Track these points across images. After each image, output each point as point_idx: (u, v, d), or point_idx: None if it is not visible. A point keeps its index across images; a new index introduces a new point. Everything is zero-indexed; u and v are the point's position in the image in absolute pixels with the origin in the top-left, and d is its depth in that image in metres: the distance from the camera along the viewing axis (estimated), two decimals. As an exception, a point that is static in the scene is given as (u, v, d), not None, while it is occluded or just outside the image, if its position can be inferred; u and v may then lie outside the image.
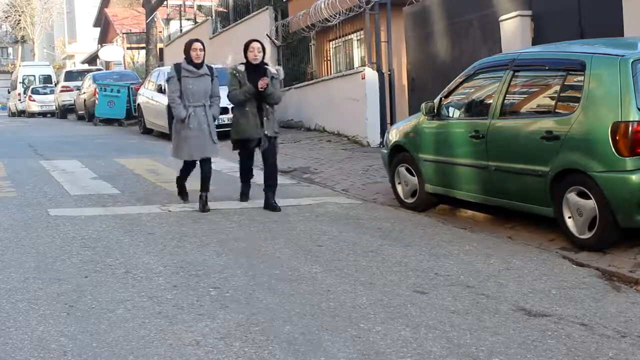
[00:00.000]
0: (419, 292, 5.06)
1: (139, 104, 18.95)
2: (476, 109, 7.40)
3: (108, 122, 22.40)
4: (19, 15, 56.40)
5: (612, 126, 5.69)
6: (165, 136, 16.45)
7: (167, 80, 8.26)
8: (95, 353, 3.94)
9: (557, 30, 9.76)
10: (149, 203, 8.37)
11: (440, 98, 7.66)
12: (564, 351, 3.99)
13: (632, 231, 5.88)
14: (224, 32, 21.86)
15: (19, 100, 35.30)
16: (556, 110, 6.32)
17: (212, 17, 24.65)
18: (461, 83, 7.59)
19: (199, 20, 26.26)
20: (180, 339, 4.15)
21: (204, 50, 8.06)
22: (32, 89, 33.64)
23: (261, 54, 8.08)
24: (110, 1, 43.42)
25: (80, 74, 28.96)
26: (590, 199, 5.88)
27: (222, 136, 9.11)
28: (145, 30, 27.04)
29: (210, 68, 8.11)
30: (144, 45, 28.73)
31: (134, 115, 20.63)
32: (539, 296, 4.94)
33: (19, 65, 43.75)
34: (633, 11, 8.69)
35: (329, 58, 17.91)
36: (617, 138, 5.65)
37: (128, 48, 37.95)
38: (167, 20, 29.50)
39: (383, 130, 12.81)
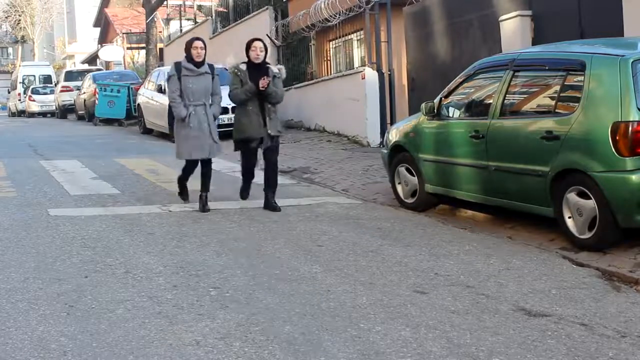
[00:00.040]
0: (419, 292, 5.06)
1: (139, 104, 18.95)
2: (476, 109, 7.40)
3: (108, 122, 22.41)
4: (19, 15, 56.41)
5: (612, 126, 5.69)
6: (165, 136, 16.47)
7: (168, 79, 8.20)
8: (95, 353, 3.94)
9: (557, 30, 9.76)
10: (149, 203, 8.36)
11: (440, 98, 7.66)
12: (564, 351, 3.99)
13: (632, 231, 5.88)
14: (224, 32, 21.87)
15: (19, 100, 35.31)
16: (556, 110, 6.32)
17: (212, 17, 24.66)
18: (461, 83, 7.59)
19: (199, 20, 26.27)
20: (180, 339, 4.15)
21: (205, 49, 8.01)
22: (32, 89, 33.65)
23: (263, 53, 8.03)
24: (110, 1, 43.42)
25: (80, 74, 28.97)
26: (590, 199, 5.88)
27: (223, 136, 9.10)
28: (145, 30, 27.04)
29: (211, 66, 8.06)
30: (144, 45, 28.73)
31: (134, 115, 20.64)
32: (539, 296, 4.94)
33: (19, 65, 43.77)
34: (633, 11, 8.69)
35: (329, 58, 17.91)
36: (617, 138, 5.65)
37: (128, 48, 37.95)
38: (167, 20, 29.51)
39: (383, 130, 12.81)
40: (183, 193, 8.33)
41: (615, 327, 4.35)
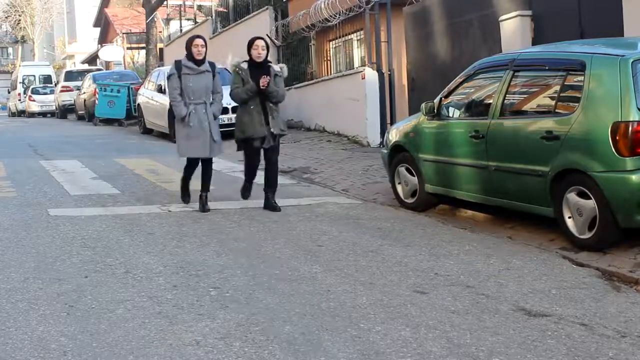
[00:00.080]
0: (419, 292, 5.06)
1: (139, 104, 18.95)
2: (476, 109, 7.40)
3: (108, 122, 22.41)
4: (19, 15, 56.40)
5: (612, 126, 5.69)
6: (165, 136, 16.47)
7: (168, 78, 8.13)
8: (95, 353, 3.94)
9: (557, 30, 9.76)
10: (149, 203, 8.36)
11: (440, 98, 7.66)
12: (564, 351, 3.99)
13: (632, 231, 5.88)
14: (224, 32, 21.87)
15: (19, 100, 35.31)
16: (556, 110, 6.32)
17: (212, 17, 24.66)
18: (461, 83, 7.59)
19: (199, 20, 26.27)
20: (180, 339, 4.15)
21: (206, 47, 7.95)
22: (32, 89, 33.65)
23: (265, 51, 7.98)
24: (110, 1, 43.42)
25: (80, 74, 28.97)
26: (590, 199, 5.88)
27: (223, 136, 9.07)
28: (145, 30, 27.04)
29: (211, 64, 8.00)
30: (144, 45, 28.73)
31: (134, 115, 20.64)
32: (539, 296, 4.94)
33: (19, 65, 43.77)
34: (633, 11, 8.69)
35: (329, 58, 17.91)
36: (617, 138, 5.65)
37: (128, 48, 37.95)
38: (167, 20, 29.51)
39: (383, 130, 12.81)
40: (185, 195, 8.24)
41: (615, 327, 4.35)
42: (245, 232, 6.94)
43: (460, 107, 7.60)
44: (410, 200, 8.11)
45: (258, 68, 7.90)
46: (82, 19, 53.80)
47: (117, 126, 21.77)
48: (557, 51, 6.83)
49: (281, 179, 8.77)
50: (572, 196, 6.04)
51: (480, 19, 11.50)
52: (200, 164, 8.06)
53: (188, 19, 27.43)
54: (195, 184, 8.12)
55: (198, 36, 8.09)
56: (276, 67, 8.09)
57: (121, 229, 7.01)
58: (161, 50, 28.47)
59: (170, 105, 7.96)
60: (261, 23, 18.57)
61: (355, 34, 16.58)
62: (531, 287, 5.13)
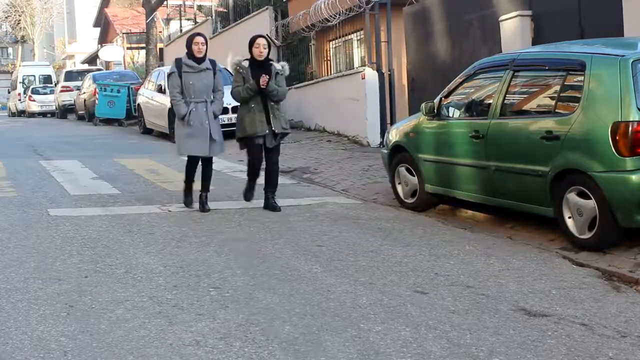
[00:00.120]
0: (419, 292, 5.06)
1: (139, 104, 18.96)
2: (476, 109, 7.40)
3: (108, 122, 22.41)
4: (19, 15, 56.39)
5: (612, 126, 5.70)
6: (165, 136, 16.47)
7: (168, 76, 8.07)
8: (95, 353, 3.94)
9: (557, 30, 9.76)
10: (149, 203, 8.36)
11: (440, 98, 7.66)
12: (564, 351, 3.99)
13: (632, 231, 5.88)
14: (224, 32, 21.87)
15: (19, 100, 35.31)
16: (556, 110, 6.32)
17: (212, 17, 24.66)
18: (461, 83, 7.59)
19: (199, 20, 26.27)
20: (180, 339, 4.15)
21: (206, 45, 7.90)
22: (32, 89, 33.64)
23: (266, 50, 7.91)
24: (110, 1, 43.41)
25: (80, 74, 28.97)
26: (590, 199, 5.88)
27: (223, 136, 9.07)
28: (145, 30, 27.04)
29: (212, 62, 7.93)
30: (144, 45, 28.73)
31: (134, 115, 20.64)
32: (539, 296, 4.94)
33: (19, 65, 43.78)
34: (633, 11, 8.69)
35: (329, 58, 17.91)
36: (617, 138, 5.65)
37: (128, 48, 37.95)
38: (167, 20, 29.51)
39: (383, 130, 12.81)
40: (188, 197, 8.04)
41: (615, 327, 4.35)
42: (245, 232, 6.94)
43: (460, 107, 7.60)
44: (410, 200, 8.11)
45: (259, 66, 7.85)
46: (82, 19, 53.79)
47: (117, 126, 21.77)
48: (557, 51, 6.83)
49: (281, 179, 8.77)
50: (572, 196, 6.04)
51: (480, 19, 11.50)
52: (200, 163, 8.03)
53: (188, 19, 27.44)
54: (195, 184, 8.11)
55: (198, 34, 8.03)
56: (278, 66, 8.03)
57: (121, 229, 7.01)
58: (161, 50, 28.47)
59: (171, 105, 7.90)
60: (261, 23, 18.57)
61: (355, 34, 16.58)
62: (531, 287, 5.13)
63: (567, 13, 9.79)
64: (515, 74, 6.86)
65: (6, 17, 57.49)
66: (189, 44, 7.85)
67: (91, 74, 25.67)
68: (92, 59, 43.20)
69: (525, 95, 6.93)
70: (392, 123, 12.68)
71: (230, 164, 11.47)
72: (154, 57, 26.26)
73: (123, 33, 37.95)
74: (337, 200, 8.71)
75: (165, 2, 27.30)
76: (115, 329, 4.28)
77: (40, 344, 4.04)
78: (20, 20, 56.59)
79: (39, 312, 4.58)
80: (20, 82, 36.00)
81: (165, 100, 15.86)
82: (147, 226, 7.17)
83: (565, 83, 6.33)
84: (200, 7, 29.31)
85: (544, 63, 6.77)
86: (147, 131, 18.32)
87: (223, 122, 8.31)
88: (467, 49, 11.75)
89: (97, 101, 21.71)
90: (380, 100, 13.56)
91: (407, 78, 14.07)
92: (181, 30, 26.40)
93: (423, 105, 7.77)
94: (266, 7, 19.02)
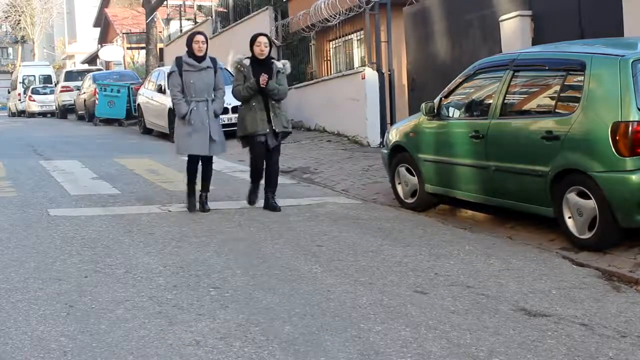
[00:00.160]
0: (419, 292, 5.06)
1: (139, 104, 18.96)
2: (476, 109, 7.40)
3: (108, 122, 22.41)
4: (19, 15, 56.38)
5: (612, 126, 5.70)
6: (165, 136, 16.47)
7: (169, 75, 8.03)
8: (95, 353, 3.94)
9: (557, 30, 9.76)
10: (149, 203, 8.36)
11: (440, 98, 7.67)
12: (564, 351, 3.99)
13: (632, 231, 5.88)
14: (224, 32, 21.87)
15: (19, 100, 35.31)
16: (556, 110, 6.32)
17: (212, 17, 24.66)
18: (461, 83, 7.59)
19: (199, 20, 26.28)
20: (180, 339, 4.15)
21: (207, 43, 7.87)
22: (32, 89, 33.64)
23: (268, 48, 7.87)
24: (110, 1, 43.41)
25: (80, 74, 28.97)
26: (590, 199, 5.88)
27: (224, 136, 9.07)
28: (145, 30, 27.04)
29: (213, 60, 7.89)
30: (144, 45, 28.73)
31: (134, 115, 20.64)
32: (539, 296, 4.94)
33: (19, 66, 43.77)
34: (633, 11, 8.69)
35: (329, 58, 17.91)
36: (617, 138, 5.65)
37: (128, 48, 37.95)
38: (167, 20, 29.51)
39: (383, 130, 12.81)
40: (191, 199, 7.91)
41: (615, 327, 4.35)
42: (245, 232, 6.94)
43: (460, 107, 7.60)
44: (410, 200, 8.11)
45: (260, 65, 7.81)
46: (82, 19, 53.77)
47: (117, 126, 21.77)
48: (557, 51, 6.83)
49: (281, 179, 8.77)
50: (572, 196, 6.04)
51: (480, 19, 11.50)
52: (200, 163, 8.00)
53: (188, 19, 27.44)
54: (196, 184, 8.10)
55: (199, 32, 8.01)
56: (279, 64, 7.99)
57: (121, 229, 7.01)
58: (161, 50, 28.48)
59: (173, 104, 7.86)
60: (261, 23, 18.56)
61: (355, 34, 16.58)
62: (531, 287, 5.13)
63: (567, 13, 9.79)
64: (515, 74, 6.86)
65: (6, 17, 57.49)
66: (189, 42, 7.82)
67: (91, 74, 25.67)
68: (92, 59, 43.20)
69: (525, 95, 6.93)
70: (392, 123, 12.67)
71: (230, 164, 11.47)
72: (154, 57, 26.27)
73: (123, 33, 37.95)
74: (337, 200, 8.71)
75: (165, 2, 27.31)
76: (115, 329, 4.28)
77: (40, 344, 4.04)
78: (20, 20, 56.58)
79: (39, 312, 4.58)
80: (20, 82, 36.00)
81: (165, 100, 15.87)
82: (147, 226, 7.17)
83: (565, 83, 6.33)
84: (200, 7, 29.32)
85: (544, 63, 6.77)
86: (147, 131, 18.32)
87: (223, 122, 8.26)
88: (467, 49, 11.75)
89: (97, 101, 21.71)
90: (380, 100, 13.56)
91: (407, 78, 14.07)
92: (181, 30, 26.40)
93: (423, 105, 7.77)
94: (266, 7, 19.02)
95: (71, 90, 28.39)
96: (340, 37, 16.50)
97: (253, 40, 7.93)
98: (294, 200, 8.64)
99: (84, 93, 24.69)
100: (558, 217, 6.23)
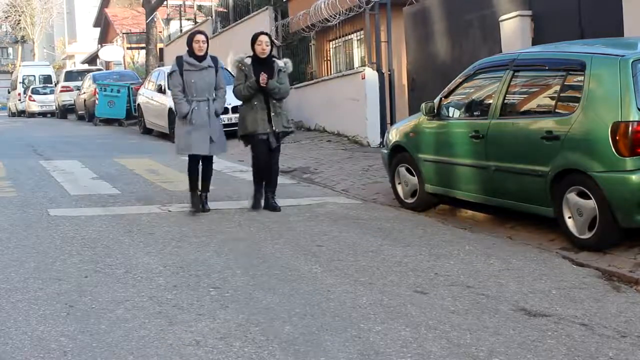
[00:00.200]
0: (419, 292, 5.06)
1: (139, 104, 18.96)
2: (476, 109, 7.40)
3: (108, 122, 22.40)
4: (19, 15, 56.38)
5: (612, 126, 5.70)
6: (165, 136, 16.47)
7: (170, 75, 7.98)
8: (95, 353, 3.94)
9: (557, 30, 9.76)
10: (149, 203, 8.36)
11: (440, 98, 7.66)
12: (564, 351, 3.99)
13: (632, 231, 5.87)
14: (224, 32, 21.87)
15: (19, 100, 35.30)
16: (556, 110, 6.32)
17: (212, 17, 24.67)
18: (461, 83, 7.59)
19: (199, 20, 26.28)
20: (180, 339, 4.15)
21: (207, 43, 7.83)
22: (32, 89, 33.63)
23: (269, 47, 7.83)
24: (110, 1, 43.41)
25: (80, 74, 28.96)
26: (590, 199, 5.88)
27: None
28: (145, 30, 27.05)
29: (214, 59, 7.85)
30: (144, 45, 28.74)
31: (134, 115, 20.64)
32: (539, 296, 4.94)
33: (19, 66, 43.76)
34: (633, 11, 8.69)
35: (329, 58, 17.91)
36: (617, 138, 5.65)
37: (128, 48, 37.95)
38: (167, 20, 29.52)
39: (383, 130, 12.81)
40: (194, 199, 7.82)
41: (615, 327, 4.35)
42: (245, 232, 6.94)
43: (460, 107, 7.60)
44: (410, 200, 8.11)
45: (262, 64, 7.78)
46: (82, 19, 53.78)
47: (117, 126, 21.77)
48: (557, 51, 6.83)
49: (281, 179, 8.76)
50: (572, 196, 6.04)
51: (480, 19, 11.50)
52: (200, 163, 7.98)
53: (188, 19, 27.45)
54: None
55: (199, 31, 7.98)
56: (280, 63, 7.96)
57: (121, 229, 7.01)
58: (161, 50, 28.48)
59: (174, 104, 7.83)
60: (261, 23, 18.54)
61: (355, 34, 16.58)
62: (531, 287, 5.13)
63: (567, 13, 9.79)
64: (515, 74, 6.86)
65: (6, 17, 57.49)
66: (190, 42, 7.78)
67: (91, 74, 25.66)
68: (92, 59, 43.20)
69: (525, 95, 6.93)
70: (392, 123, 12.67)
71: (230, 164, 11.47)
72: (154, 57, 26.27)
73: (123, 33, 37.96)
74: (337, 200, 8.71)
75: (165, 2, 27.31)
76: (115, 329, 4.28)
77: (40, 344, 4.04)
78: (20, 20, 56.59)
79: (39, 312, 4.58)
80: (20, 82, 36.00)
81: (165, 100, 15.87)
82: (147, 226, 7.17)
83: (565, 83, 6.33)
84: (200, 7, 29.32)
85: (544, 63, 6.77)
86: (147, 131, 18.32)
87: (223, 122, 8.24)
88: (467, 49, 11.75)
89: (97, 101, 21.71)
90: (380, 100, 13.55)
91: (407, 78, 14.07)
92: (181, 30, 26.40)
93: (423, 105, 7.77)
94: (266, 7, 19.02)
95: (71, 90, 28.38)
96: (340, 37, 16.50)
97: (254, 39, 7.90)
98: (294, 200, 8.64)
99: (84, 93, 24.69)
100: (558, 217, 6.23)
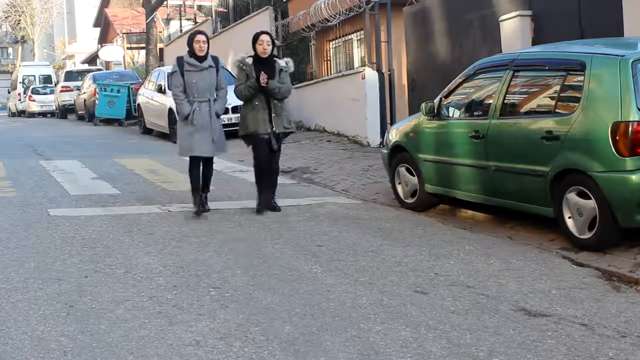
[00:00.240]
0: (419, 292, 5.06)
1: (139, 104, 18.96)
2: (476, 109, 7.40)
3: (108, 122, 22.41)
4: (19, 15, 56.39)
5: (612, 126, 5.70)
6: (165, 136, 16.47)
7: (171, 75, 7.95)
8: (95, 353, 3.94)
9: (557, 30, 9.76)
10: (149, 203, 8.36)
11: (440, 98, 7.66)
12: (564, 351, 3.99)
13: (632, 231, 5.87)
14: (224, 32, 21.88)
15: (19, 100, 35.30)
16: (556, 110, 6.32)
17: (212, 17, 24.67)
18: (461, 83, 7.59)
19: (199, 20, 26.28)
20: (180, 339, 4.15)
21: (208, 43, 7.80)
22: (32, 89, 33.63)
23: (270, 47, 7.79)
24: (110, 1, 43.42)
25: (80, 74, 28.97)
26: (590, 199, 5.88)
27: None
28: (145, 30, 27.05)
29: (214, 59, 7.81)
30: (144, 45, 28.74)
31: (134, 115, 20.64)
32: (539, 296, 4.94)
33: (19, 66, 43.77)
34: (633, 11, 8.69)
35: (329, 58, 17.91)
36: (617, 138, 5.65)
37: (128, 48, 37.96)
38: (167, 20, 29.52)
39: (383, 130, 12.81)
40: (196, 198, 7.76)
41: (615, 327, 4.35)
42: (245, 232, 6.94)
43: (460, 107, 7.60)
44: (410, 200, 8.11)
45: (263, 63, 7.73)
46: (82, 19, 53.78)
47: (117, 126, 21.77)
48: (557, 51, 6.83)
49: (281, 179, 8.76)
50: (572, 196, 6.04)
51: (480, 19, 11.50)
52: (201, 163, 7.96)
53: (188, 19, 27.45)
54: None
55: (200, 32, 7.94)
56: (282, 62, 7.91)
57: (121, 229, 7.01)
58: (161, 50, 28.48)
59: (175, 105, 7.81)
60: (261, 23, 18.54)
61: (355, 34, 16.58)
62: (531, 287, 5.13)
63: (567, 13, 9.79)
64: (515, 74, 6.86)
65: (6, 17, 57.49)
66: (190, 42, 7.74)
67: (91, 74, 25.66)
68: (92, 59, 43.21)
69: (525, 95, 6.93)
70: (392, 123, 12.67)
71: (230, 164, 11.47)
72: (154, 57, 26.27)
73: (123, 33, 37.96)
74: (337, 200, 8.71)
75: (165, 2, 27.32)
76: (115, 329, 4.28)
77: (40, 344, 4.04)
78: (20, 20, 56.59)
79: (39, 312, 4.58)
80: (20, 82, 36.00)
81: (165, 100, 15.87)
82: (147, 226, 7.17)
83: (565, 83, 6.33)
84: (200, 7, 29.32)
85: (544, 63, 6.77)
86: (147, 131, 18.32)
87: (223, 122, 8.22)
88: (467, 49, 11.75)
89: (97, 101, 21.71)
90: (380, 100, 13.56)
91: (407, 78, 14.07)
92: (181, 30, 26.41)
93: (423, 105, 7.77)
94: (266, 7, 19.02)
95: (71, 90, 28.39)
96: (340, 37, 16.50)
97: (255, 39, 7.85)
98: (294, 200, 8.64)
99: (84, 93, 24.69)
100: (558, 217, 6.23)
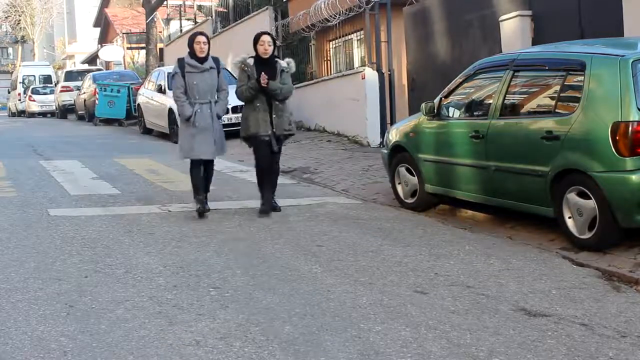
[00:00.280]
0: (419, 292, 5.06)
1: (139, 104, 18.96)
2: (476, 109, 7.40)
3: (108, 122, 22.41)
4: (19, 15, 56.39)
5: (612, 126, 5.70)
6: (165, 136, 16.47)
7: (172, 77, 7.92)
8: (95, 353, 3.94)
9: (557, 30, 9.76)
10: (149, 203, 8.36)
11: (440, 98, 7.66)
12: (564, 351, 3.99)
13: (632, 231, 5.87)
14: (224, 32, 21.88)
15: (19, 100, 35.30)
16: (556, 110, 6.32)
17: (212, 17, 24.67)
18: (461, 83, 7.59)
19: (199, 20, 26.29)
20: (180, 339, 4.15)
21: (209, 44, 7.77)
22: (32, 89, 33.63)
23: (271, 47, 7.75)
24: (110, 1, 43.42)
25: (80, 74, 28.96)
26: (590, 199, 5.88)
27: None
28: (145, 30, 27.05)
29: (215, 60, 7.78)
30: (144, 45, 28.75)
31: (134, 115, 20.64)
32: (539, 296, 4.94)
33: (19, 66, 43.77)
34: (633, 11, 8.69)
35: (329, 58, 17.91)
36: (617, 138, 5.65)
37: (128, 48, 37.96)
38: (167, 20, 29.52)
39: (383, 130, 12.81)
40: (198, 197, 7.71)
41: (615, 327, 4.35)
42: (245, 232, 6.94)
43: (460, 107, 7.60)
44: (410, 200, 8.11)
45: (264, 64, 7.70)
46: (82, 19, 53.78)
47: (117, 126, 21.77)
48: (557, 51, 6.83)
49: (281, 179, 8.76)
50: (572, 196, 6.04)
51: (480, 19, 11.50)
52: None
53: (188, 19, 27.45)
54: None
55: (200, 33, 7.91)
56: (283, 63, 7.88)
57: (121, 229, 7.01)
58: (161, 50, 28.48)
59: (177, 107, 7.79)
60: (261, 23, 18.55)
61: (355, 34, 16.58)
62: (531, 287, 5.13)
63: (567, 13, 9.79)
64: (515, 74, 6.86)
65: (6, 17, 57.49)
66: (191, 43, 7.71)
67: (91, 74, 25.66)
68: (92, 59, 43.21)
69: (525, 95, 6.93)
70: (392, 123, 12.67)
71: (230, 164, 11.47)
72: (154, 57, 26.27)
73: (123, 33, 37.96)
74: (337, 200, 8.71)
75: (165, 2, 27.31)
76: (115, 329, 4.28)
77: (40, 344, 4.04)
78: (20, 20, 56.59)
79: (39, 312, 4.58)
80: (20, 82, 36.00)
81: (165, 100, 15.87)
82: (147, 226, 7.17)
83: (565, 83, 6.33)
84: (200, 7, 29.33)
85: (544, 63, 6.77)
86: (147, 131, 18.32)
87: (223, 123, 8.20)
88: (467, 49, 11.75)
89: (97, 101, 21.72)
90: (380, 100, 13.56)
91: (407, 78, 14.07)
92: (181, 30, 26.41)
93: (423, 105, 7.77)
94: (266, 7, 19.02)
95: (71, 90, 28.38)
96: (340, 37, 16.50)
97: (257, 39, 7.81)
98: (294, 200, 8.64)
99: (84, 93, 24.69)
100: (558, 217, 6.23)
